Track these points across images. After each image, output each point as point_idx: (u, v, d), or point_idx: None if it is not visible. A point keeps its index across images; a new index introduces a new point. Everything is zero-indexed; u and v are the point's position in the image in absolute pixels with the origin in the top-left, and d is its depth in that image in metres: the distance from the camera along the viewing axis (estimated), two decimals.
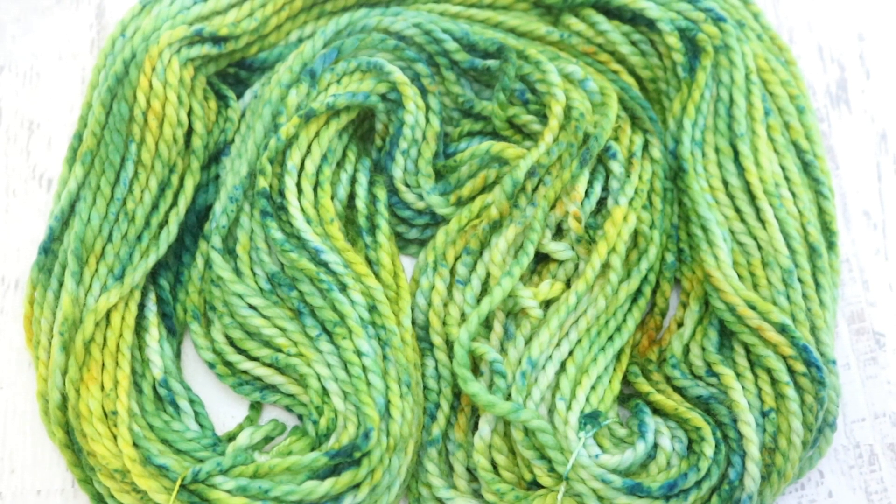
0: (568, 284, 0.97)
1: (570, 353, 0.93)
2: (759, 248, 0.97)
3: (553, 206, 0.97)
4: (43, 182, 1.06)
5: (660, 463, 0.89)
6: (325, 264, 0.95)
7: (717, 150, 1.01)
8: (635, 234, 0.98)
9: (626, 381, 0.97)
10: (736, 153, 1.00)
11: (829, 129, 1.08)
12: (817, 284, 0.96)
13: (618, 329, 0.95)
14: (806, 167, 1.01)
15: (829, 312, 0.95)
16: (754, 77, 1.02)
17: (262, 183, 0.97)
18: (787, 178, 0.99)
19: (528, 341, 0.93)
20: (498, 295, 0.93)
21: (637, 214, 0.97)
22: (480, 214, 0.99)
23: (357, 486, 0.87)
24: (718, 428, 0.91)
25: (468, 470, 0.93)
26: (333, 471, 0.88)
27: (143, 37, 1.00)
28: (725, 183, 1.00)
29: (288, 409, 0.95)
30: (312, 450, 0.89)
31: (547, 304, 0.95)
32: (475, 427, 0.94)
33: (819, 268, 0.96)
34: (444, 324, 0.96)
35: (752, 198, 0.98)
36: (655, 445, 0.90)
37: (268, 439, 0.93)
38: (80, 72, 1.11)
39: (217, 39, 1.02)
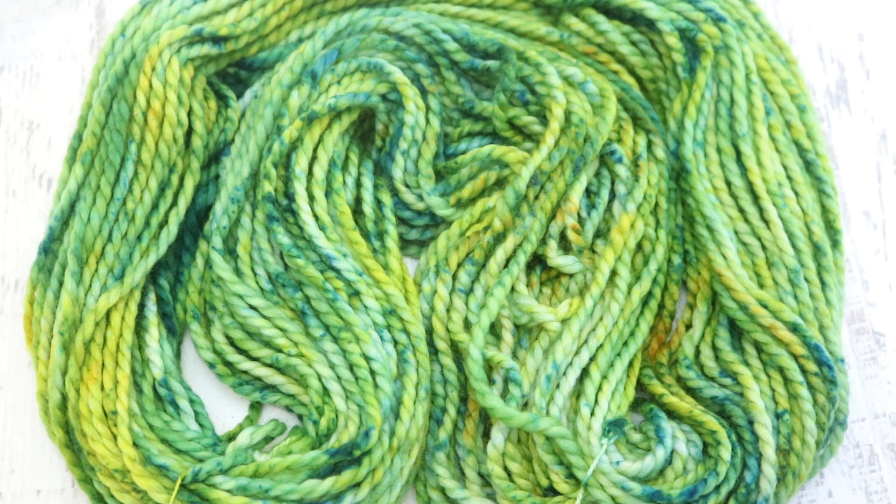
0: (582, 295, 0.96)
1: (592, 359, 0.92)
2: (764, 248, 0.96)
3: (554, 216, 0.97)
4: (43, 182, 1.06)
5: (676, 469, 0.89)
6: (337, 271, 0.94)
7: (718, 151, 1.00)
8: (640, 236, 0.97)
9: (636, 385, 0.96)
10: (738, 153, 1.00)
11: (828, 130, 1.08)
12: (823, 283, 0.96)
13: (632, 334, 0.95)
14: (808, 166, 1.01)
15: (835, 311, 0.95)
16: (755, 77, 1.02)
17: (268, 188, 0.96)
18: (789, 178, 0.99)
19: (547, 348, 0.92)
20: (493, 307, 0.93)
21: (644, 221, 0.97)
22: (482, 218, 0.99)
23: (358, 484, 0.87)
24: (733, 430, 0.91)
25: (480, 475, 0.92)
26: (334, 470, 0.88)
27: (143, 37, 1.00)
28: (728, 183, 0.99)
29: (288, 409, 0.95)
30: (312, 449, 0.89)
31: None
32: (484, 432, 0.93)
33: (824, 266, 0.96)
34: (447, 329, 0.96)
35: (756, 198, 0.98)
36: (671, 450, 0.89)
37: (268, 439, 0.93)
38: (80, 72, 1.11)
39: (217, 39, 1.02)
